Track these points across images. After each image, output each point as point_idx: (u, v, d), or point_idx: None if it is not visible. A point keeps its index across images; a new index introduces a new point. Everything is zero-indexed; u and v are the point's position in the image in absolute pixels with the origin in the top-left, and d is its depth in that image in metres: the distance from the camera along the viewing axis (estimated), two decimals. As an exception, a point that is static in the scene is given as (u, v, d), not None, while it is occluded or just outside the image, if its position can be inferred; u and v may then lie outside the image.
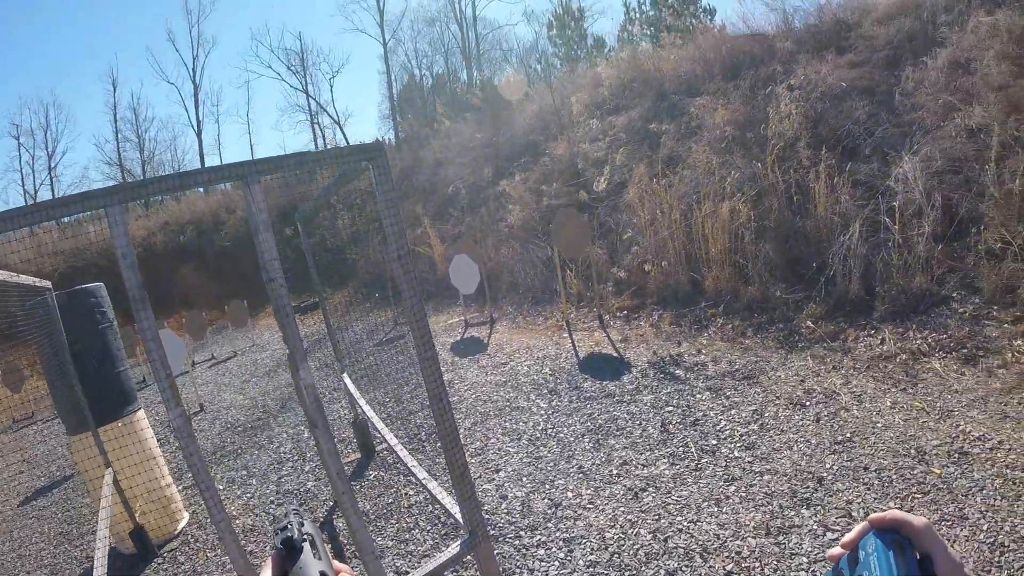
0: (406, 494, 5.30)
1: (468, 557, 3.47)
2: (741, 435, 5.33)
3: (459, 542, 3.15)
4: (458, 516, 3.27)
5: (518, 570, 4.11)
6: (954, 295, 6.61)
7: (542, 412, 6.40)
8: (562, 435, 5.85)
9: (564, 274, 9.91)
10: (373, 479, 5.71)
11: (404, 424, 6.67)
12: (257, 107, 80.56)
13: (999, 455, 4.61)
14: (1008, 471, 4.43)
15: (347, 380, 6.13)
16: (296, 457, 6.62)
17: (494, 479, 5.30)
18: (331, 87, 48.80)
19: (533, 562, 4.16)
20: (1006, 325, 6.04)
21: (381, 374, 8.56)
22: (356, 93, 65.70)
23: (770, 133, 9.38)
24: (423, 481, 4.05)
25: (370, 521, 4.98)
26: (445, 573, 3.18)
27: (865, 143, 8.53)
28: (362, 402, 5.76)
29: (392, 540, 4.71)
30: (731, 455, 5.06)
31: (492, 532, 4.49)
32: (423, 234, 14.43)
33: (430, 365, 2.93)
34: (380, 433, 5.05)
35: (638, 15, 30.04)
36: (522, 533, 4.49)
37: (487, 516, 4.72)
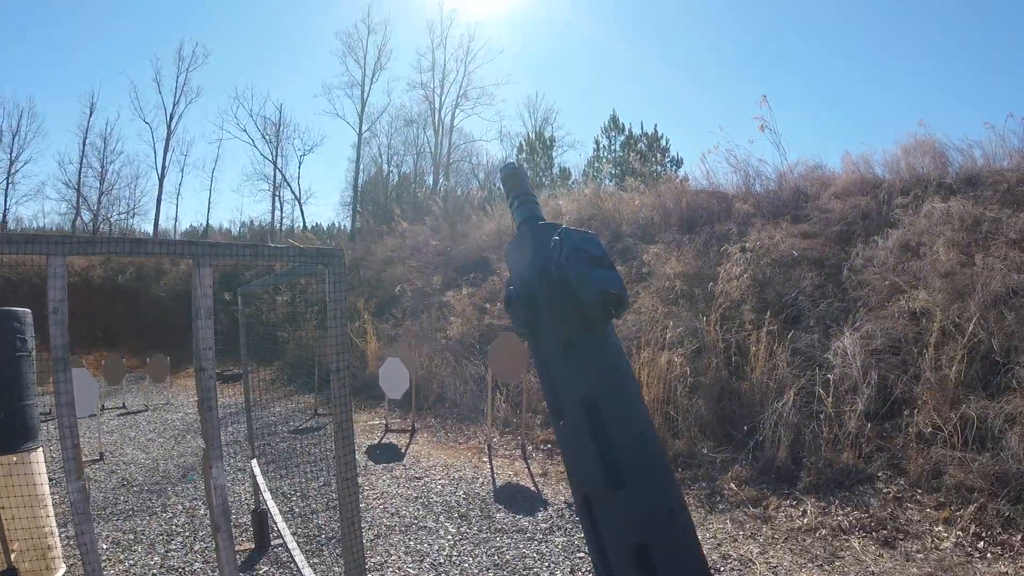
0: None
1: None
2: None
3: None
4: None
5: None
6: (880, 474, 6.53)
7: (450, 537, 6.06)
8: (467, 565, 5.52)
9: (494, 396, 9.70)
10: (264, 574, 5.31)
11: (305, 523, 6.28)
12: (224, 167, 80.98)
13: (909, 649, 4.40)
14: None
15: (255, 466, 5.80)
16: (188, 533, 6.14)
17: None
18: (299, 163, 49.12)
19: None
20: (929, 510, 5.95)
21: (291, 464, 8.16)
22: (322, 174, 66.51)
23: (718, 291, 9.46)
24: None
25: None
26: None
27: (809, 313, 8.64)
28: (266, 492, 5.42)
29: None
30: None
31: None
32: (361, 328, 14.23)
33: (348, 488, 2.74)
34: (279, 529, 4.73)
35: (607, 153, 31.15)
36: None
37: None
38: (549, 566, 5.50)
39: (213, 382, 2.48)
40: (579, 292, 0.62)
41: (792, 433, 7.15)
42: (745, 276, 9.57)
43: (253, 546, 5.86)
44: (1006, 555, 5.40)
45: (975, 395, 6.70)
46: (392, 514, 6.53)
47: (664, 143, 29.42)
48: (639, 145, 28.51)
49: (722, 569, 5.45)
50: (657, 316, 9.65)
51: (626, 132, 30.90)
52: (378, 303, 15.74)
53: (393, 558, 5.60)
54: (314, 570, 4.74)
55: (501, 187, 0.87)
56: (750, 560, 5.59)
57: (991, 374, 6.81)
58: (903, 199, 9.68)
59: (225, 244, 2.51)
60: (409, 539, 5.99)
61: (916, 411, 6.84)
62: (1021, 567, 5.20)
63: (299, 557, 4.26)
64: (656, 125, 32.68)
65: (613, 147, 30.99)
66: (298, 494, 7.02)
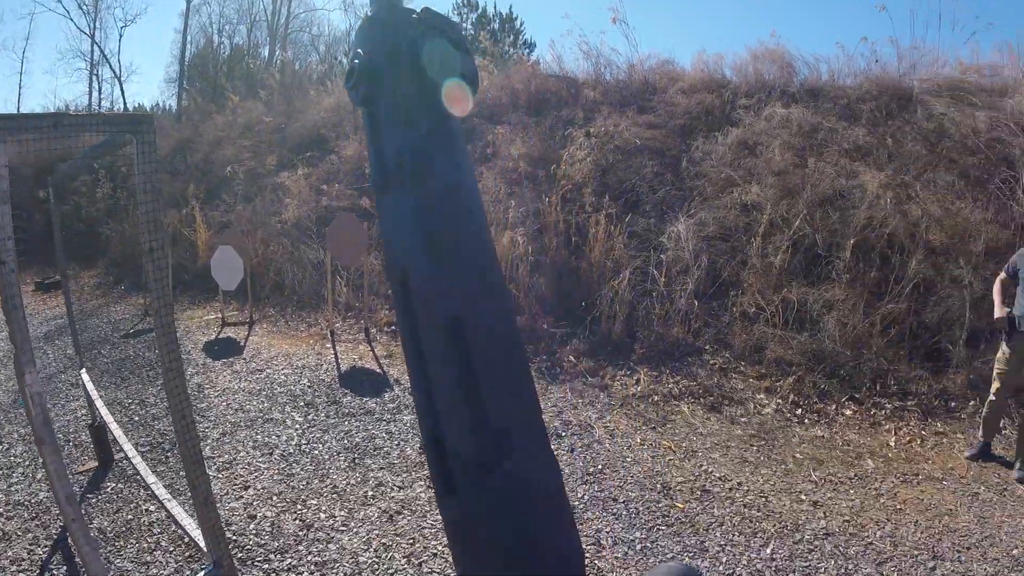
0: (147, 510, 4.63)
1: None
2: (498, 458, 5.20)
3: (203, 573, 2.79)
4: (202, 543, 2.86)
5: None
6: (707, 347, 6.99)
7: (297, 426, 5.92)
8: (317, 452, 5.43)
9: (334, 281, 9.44)
10: (111, 492, 4.94)
11: (147, 431, 5.92)
12: (36, 45, 71.65)
13: (738, 495, 4.82)
14: (745, 510, 4.63)
15: (85, 378, 5.32)
16: (28, 462, 5.55)
17: (242, 497, 4.78)
18: (120, 37, 44.50)
19: None
20: (752, 380, 6.45)
21: (125, 371, 7.62)
22: (147, 48, 60.20)
23: (560, 174, 9.57)
24: (164, 501, 3.53)
25: (108, 541, 4.28)
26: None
27: (647, 199, 8.93)
28: (99, 404, 5.00)
29: (132, 563, 4.06)
30: (486, 479, 4.91)
31: (239, 555, 4.05)
32: (189, 216, 13.15)
33: (174, 378, 2.53)
34: (120, 441, 4.41)
35: (459, 32, 30.10)
36: (272, 556, 4.07)
37: (234, 538, 4.23)
38: (399, 444, 5.53)
39: (15, 276, 2.15)
40: (428, 69, 0.62)
41: (627, 309, 7.48)
42: (588, 160, 9.72)
43: (96, 464, 5.43)
44: (822, 421, 5.97)
45: (797, 282, 7.26)
46: (236, 410, 6.28)
47: (518, 25, 28.88)
48: (492, 25, 27.84)
49: (563, 435, 5.69)
50: (500, 196, 9.65)
51: (479, 10, 30.08)
52: (208, 188, 14.54)
53: (242, 454, 5.42)
54: (161, 477, 4.51)
55: None
56: (589, 425, 5.87)
57: (813, 265, 7.38)
58: (747, 101, 10.07)
59: (20, 115, 2.19)
60: (256, 433, 5.81)
61: (742, 293, 7.33)
62: (836, 432, 5.79)
63: (142, 467, 3.99)
64: (511, 6, 31.86)
65: (465, 25, 30.13)
66: (136, 401, 6.61)
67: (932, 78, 9.47)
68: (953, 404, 6.12)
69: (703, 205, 8.48)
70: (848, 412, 6.07)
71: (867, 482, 5.09)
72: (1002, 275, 5.39)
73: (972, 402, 6.04)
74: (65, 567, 3.96)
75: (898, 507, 4.78)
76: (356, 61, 0.68)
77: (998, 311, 5.27)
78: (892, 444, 5.65)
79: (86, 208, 15.59)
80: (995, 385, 5.31)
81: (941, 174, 7.83)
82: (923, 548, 4.26)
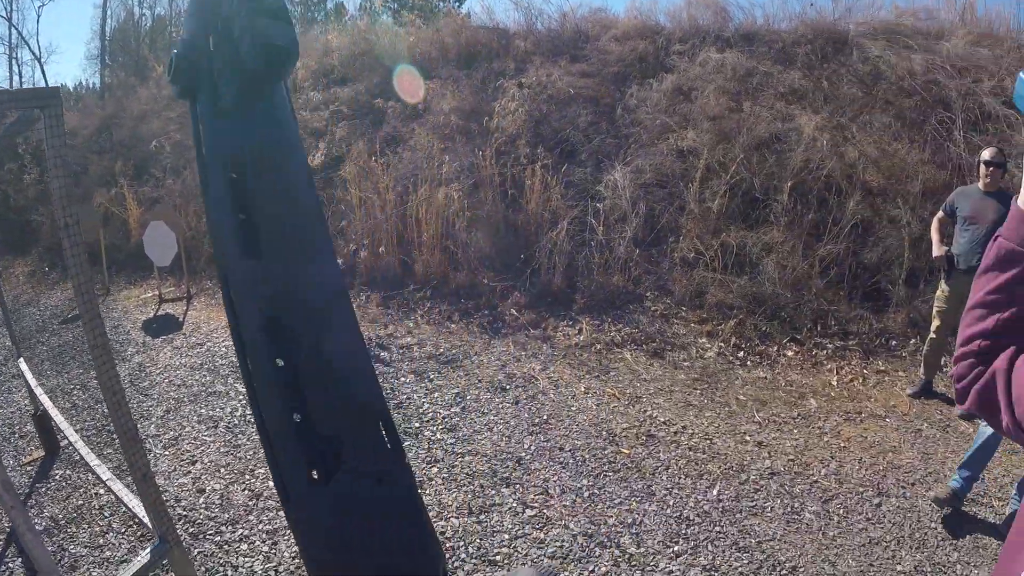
0: (97, 494, 4.40)
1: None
2: (444, 418, 5.15)
3: (149, 549, 2.70)
4: (147, 520, 2.71)
5: (221, 568, 3.57)
6: (648, 295, 6.94)
7: (240, 397, 5.69)
8: None
9: None
10: (60, 479, 4.68)
11: (92, 415, 5.63)
12: None
13: (683, 439, 4.78)
14: (691, 453, 4.59)
15: (24, 367, 5.02)
16: None
17: (190, 471, 4.58)
18: (38, 17, 42.26)
19: (236, 558, 3.66)
20: (693, 325, 6.42)
21: (66, 357, 7.24)
22: (67, 27, 57.58)
23: (493, 126, 9.38)
24: (107, 482, 3.34)
25: (60, 528, 4.04)
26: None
27: (583, 148, 8.79)
28: (40, 392, 4.73)
29: (86, 547, 3.85)
30: (434, 437, 4.87)
31: (191, 530, 3.89)
32: (119, 195, 12.60)
33: (101, 354, 2.36)
34: (64, 428, 4.18)
35: (385, -12, 29.47)
36: (223, 529, 3.93)
37: (184, 513, 4.07)
38: None
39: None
40: (241, 44, 0.57)
41: (567, 260, 7.38)
42: (521, 112, 9.53)
43: (43, 453, 5.15)
44: (764, 363, 5.97)
45: (735, 226, 7.22)
46: (179, 386, 6.01)
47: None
48: (422, -22, 27.13)
49: (507, 388, 5.59)
50: (433, 152, 9.41)
51: (408, -37, 29.28)
52: (136, 164, 13.87)
53: (187, 429, 5.19)
54: (108, 460, 4.41)
55: None
56: (533, 377, 5.77)
57: (751, 209, 7.35)
58: (681, 47, 9.94)
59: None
60: (200, 407, 5.57)
61: (681, 239, 7.28)
62: (778, 373, 5.79)
63: (84, 451, 3.80)
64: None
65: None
66: (78, 387, 6.28)
67: (868, 21, 9.47)
68: (894, 343, 6.17)
69: (639, 152, 8.37)
70: (790, 353, 6.08)
71: (810, 421, 5.09)
72: (940, 214, 5.41)
73: (913, 340, 6.10)
74: (20, 559, 3.75)
75: (842, 445, 4.80)
76: (174, 52, 0.65)
77: (936, 250, 5.29)
78: (834, 383, 5.68)
79: (14, 196, 14.81)
80: (935, 323, 5.35)
81: (877, 116, 7.84)
82: (868, 485, 4.28)
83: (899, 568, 3.56)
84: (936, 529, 3.86)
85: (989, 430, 3.78)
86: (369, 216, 8.92)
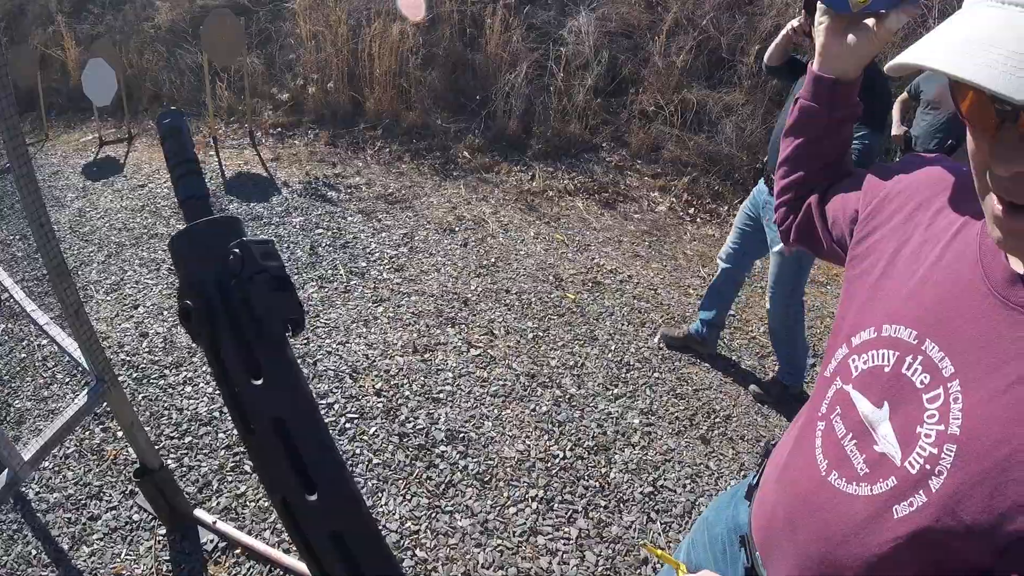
0: (40, 345, 4.23)
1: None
2: (391, 257, 5.07)
3: (87, 391, 2.54)
4: (83, 362, 2.58)
5: (166, 411, 3.51)
6: (604, 145, 6.84)
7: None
8: None
9: (214, 85, 8.66)
10: (1, 333, 4.49)
11: (32, 264, 5.37)
12: None
13: (628, 287, 4.81)
14: (635, 301, 4.64)
15: None
16: None
17: (133, 316, 4.42)
18: None
19: (181, 400, 3.60)
20: (647, 178, 6.38)
21: (4, 207, 6.83)
22: None
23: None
24: (44, 327, 3.17)
25: (3, 384, 3.89)
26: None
27: (549, -10, 8.41)
28: None
29: (31, 400, 3.72)
30: (380, 277, 4.80)
31: (134, 375, 3.80)
32: (56, 34, 11.72)
33: (26, 184, 2.14)
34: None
35: None
36: (167, 372, 3.84)
37: (127, 358, 3.95)
38: (289, 246, 5.24)
39: None
40: (262, 317, 0.60)
41: (524, 104, 7.18)
42: (486, -54, 9.03)
43: None
44: (713, 221, 5.99)
45: (698, 84, 7.07)
46: (120, 229, 5.75)
47: None
48: None
49: (456, 230, 5.52)
50: (392, -17, 8.94)
51: None
52: (73, 2, 12.92)
53: (129, 274, 4.99)
54: (52, 310, 4.21)
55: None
56: (483, 220, 5.71)
57: (716, 68, 7.17)
58: None
59: None
60: (142, 250, 5.35)
61: (642, 91, 7.11)
62: (726, 232, 5.80)
63: (22, 297, 3.59)
64: None
65: None
66: (19, 237, 5.94)
67: None
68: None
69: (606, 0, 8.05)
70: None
71: (753, 281, 5.16)
72: (904, 95, 5.34)
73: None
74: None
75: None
76: (188, 302, 0.62)
77: (896, 129, 5.26)
78: (780, 245, 5.74)
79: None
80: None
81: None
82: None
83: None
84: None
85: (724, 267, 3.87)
86: (319, 50, 8.52)
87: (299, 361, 3.69)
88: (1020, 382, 0.79)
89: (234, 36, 7.76)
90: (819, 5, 1.18)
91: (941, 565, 0.89)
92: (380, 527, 2.84)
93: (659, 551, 0.68)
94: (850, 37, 1.14)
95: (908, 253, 1.03)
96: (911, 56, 0.74)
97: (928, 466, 0.87)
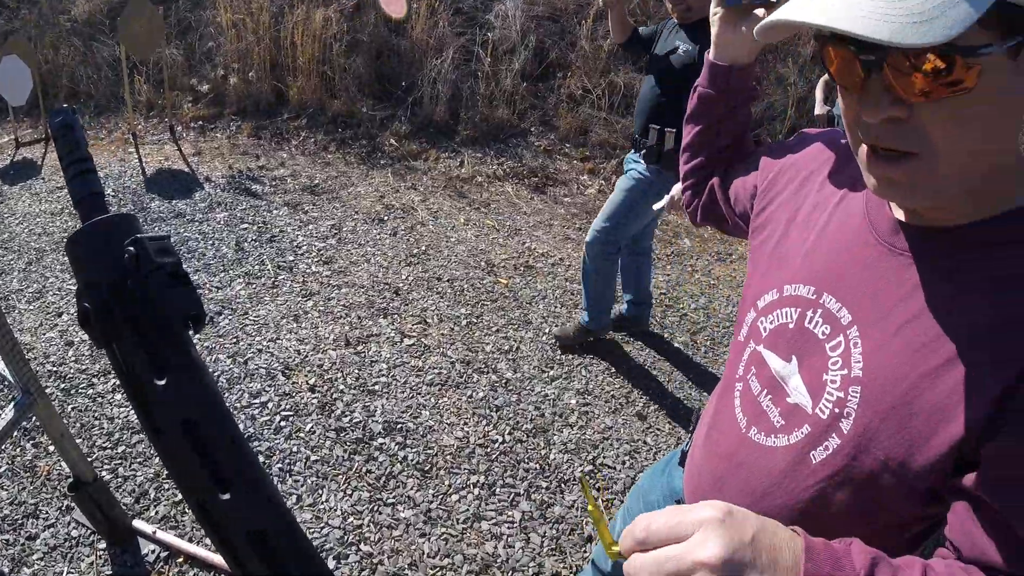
0: None
1: None
2: (319, 250, 4.98)
3: (12, 404, 2.42)
4: (7, 375, 2.46)
5: (97, 421, 3.38)
6: (532, 129, 6.84)
7: None
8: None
9: (132, 79, 8.36)
10: None
11: None
12: None
13: (559, 270, 4.83)
14: (567, 283, 4.67)
15: None
16: None
17: (57, 324, 4.23)
18: None
19: (112, 409, 3.46)
20: (576, 162, 6.40)
21: None
22: None
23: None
24: None
25: None
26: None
27: (473, -25, 8.36)
28: None
29: None
30: (309, 270, 4.71)
31: (62, 386, 3.64)
32: None
33: None
34: None
35: None
36: (95, 380, 3.70)
37: (53, 368, 3.78)
38: (214, 243, 5.09)
39: None
40: (161, 312, 0.60)
41: (451, 90, 7.13)
42: (408, -69, 8.93)
43: None
44: (641, 199, 6.04)
45: (624, 67, 7.12)
46: (40, 234, 5.50)
47: None
48: None
49: (385, 219, 5.46)
50: (312, -32, 8.77)
51: None
52: None
53: (51, 280, 4.77)
54: None
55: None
56: (412, 208, 5.66)
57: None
58: None
59: None
60: (63, 256, 5.13)
61: (569, 75, 7.13)
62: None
63: None
64: None
65: None
66: None
67: None
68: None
69: (532, -17, 8.05)
70: (667, 194, 6.16)
71: (683, 259, 5.23)
72: (825, 76, 5.47)
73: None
74: None
75: (712, 283, 4.97)
76: (86, 305, 0.61)
77: (819, 108, 5.39)
78: (709, 227, 5.82)
79: None
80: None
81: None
82: (734, 320, 4.45)
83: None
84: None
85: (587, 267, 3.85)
86: (240, 39, 8.31)
87: (231, 360, 3.65)
88: (909, 322, 0.87)
89: (153, 26, 7.49)
90: None
91: (870, 516, 0.95)
92: (323, 523, 2.81)
93: (592, 502, 0.67)
94: (742, 28, 1.21)
95: (801, 220, 1.10)
96: (784, 14, 0.77)
97: (837, 409, 0.93)
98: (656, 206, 2.65)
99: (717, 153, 1.41)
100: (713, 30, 1.27)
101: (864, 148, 0.83)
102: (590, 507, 0.68)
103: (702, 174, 1.45)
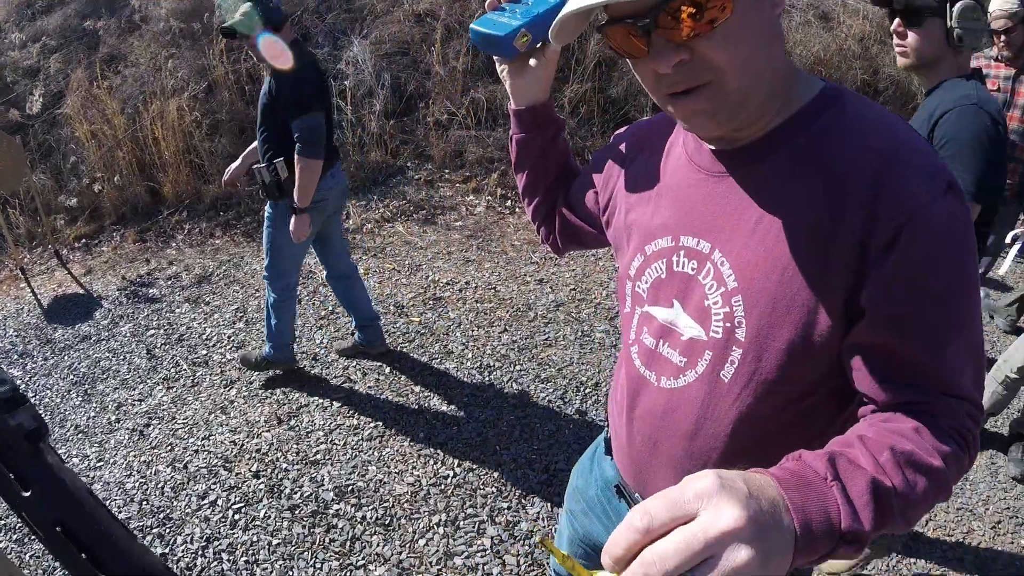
0: None
1: None
2: (229, 336, 4.92)
3: None
4: None
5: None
6: (409, 164, 6.89)
7: (19, 382, 5.06)
8: (47, 399, 4.68)
9: (6, 213, 8.07)
10: None
11: None
12: None
13: (468, 294, 4.89)
14: (478, 305, 4.73)
15: None
16: None
17: None
18: None
19: None
20: (458, 185, 6.47)
21: None
22: None
23: (215, 23, 8.68)
24: None
25: None
26: None
27: (316, 29, 8.37)
28: None
29: None
30: (224, 359, 4.65)
31: None
32: None
33: None
34: None
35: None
36: None
37: None
38: (125, 357, 4.96)
39: None
40: (6, 438, 0.65)
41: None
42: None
43: None
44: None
45: (483, 81, 7.24)
46: None
47: None
48: None
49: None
50: (159, 63, 8.62)
51: None
52: None
53: None
54: None
55: None
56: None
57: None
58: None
59: None
60: None
61: (431, 103, 7.20)
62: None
63: None
64: None
65: None
66: None
67: None
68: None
69: (375, 24, 8.09)
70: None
71: (584, 253, 5.33)
72: None
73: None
74: None
75: (616, 267, 5.07)
76: None
77: None
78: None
79: None
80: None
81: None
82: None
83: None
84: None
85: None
86: (101, 146, 8.12)
87: (171, 468, 3.57)
88: (757, 225, 0.99)
89: (14, 158, 7.23)
90: (494, 56, 1.34)
91: (802, 418, 1.05)
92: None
93: (561, 557, 0.67)
94: (528, 70, 1.31)
95: (640, 192, 1.22)
96: (568, 8, 0.92)
97: (728, 324, 1.03)
98: None
99: (553, 184, 1.50)
100: (506, 85, 1.38)
101: (669, 99, 0.96)
102: (561, 563, 0.68)
103: (546, 208, 1.53)
